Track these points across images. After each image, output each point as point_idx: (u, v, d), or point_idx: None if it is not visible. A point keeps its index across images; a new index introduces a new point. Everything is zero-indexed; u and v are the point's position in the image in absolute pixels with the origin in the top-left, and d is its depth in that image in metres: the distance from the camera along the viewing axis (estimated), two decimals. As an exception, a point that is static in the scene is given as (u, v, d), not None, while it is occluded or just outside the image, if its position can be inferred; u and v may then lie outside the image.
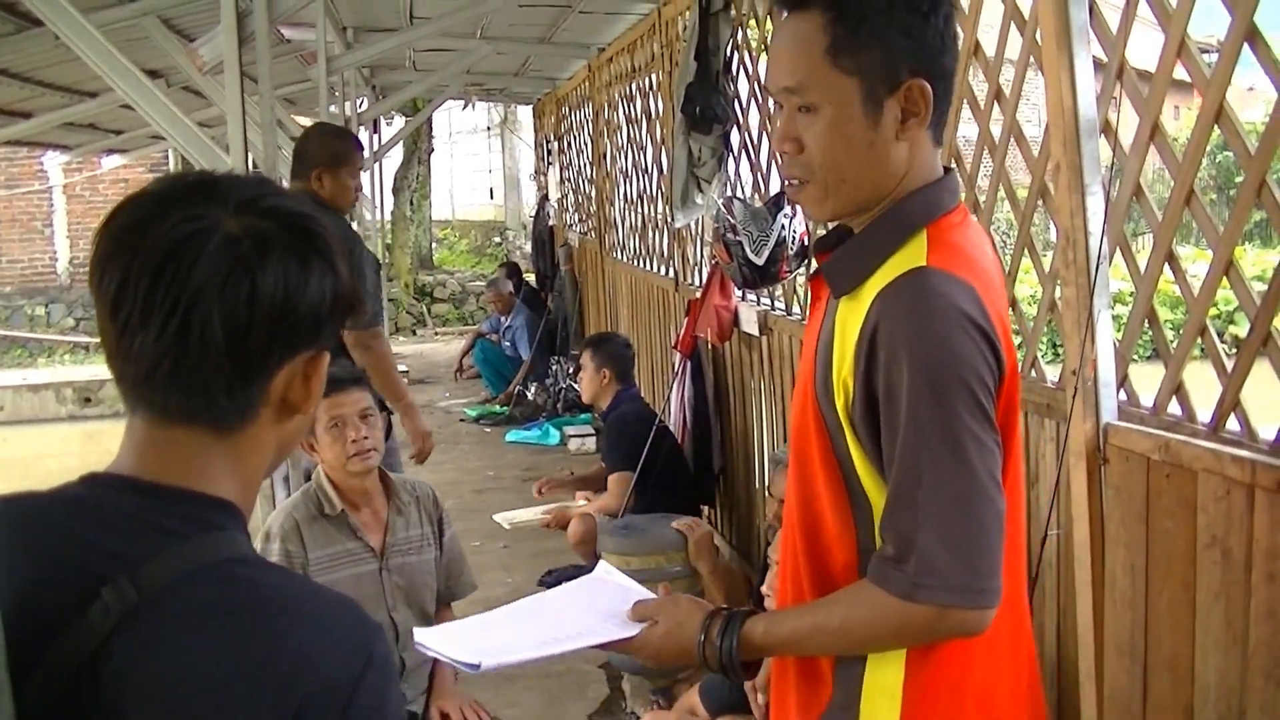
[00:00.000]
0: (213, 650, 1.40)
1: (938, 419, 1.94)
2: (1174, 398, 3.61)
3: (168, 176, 1.56)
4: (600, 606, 2.47)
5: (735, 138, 7.35)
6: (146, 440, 1.53)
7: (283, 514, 4.27)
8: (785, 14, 2.14)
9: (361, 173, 6.14)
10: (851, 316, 2.07)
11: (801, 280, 6.28)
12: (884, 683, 2.10)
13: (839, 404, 2.07)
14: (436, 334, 23.51)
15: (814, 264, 2.53)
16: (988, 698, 2.14)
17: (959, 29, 2.08)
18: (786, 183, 2.25)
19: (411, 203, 26.00)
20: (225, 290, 1.44)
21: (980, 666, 2.12)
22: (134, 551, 1.43)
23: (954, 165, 4.55)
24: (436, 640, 2.45)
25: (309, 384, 1.58)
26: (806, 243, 5.71)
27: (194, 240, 1.44)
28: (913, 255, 2.06)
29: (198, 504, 1.51)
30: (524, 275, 17.01)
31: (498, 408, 13.85)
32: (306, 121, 10.98)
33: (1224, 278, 3.38)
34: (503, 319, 15.35)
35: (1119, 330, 3.78)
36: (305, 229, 1.52)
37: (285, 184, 5.75)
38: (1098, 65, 3.69)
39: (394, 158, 24.16)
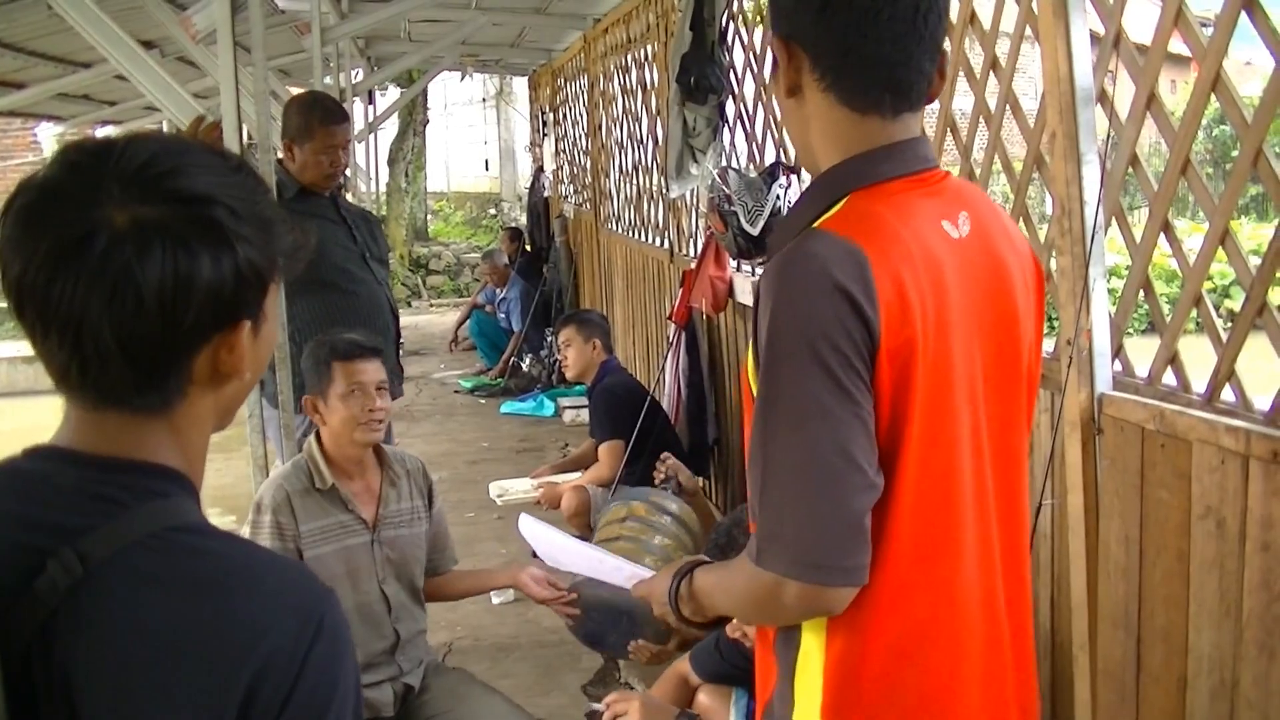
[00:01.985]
0: (161, 621, 1.39)
1: (780, 383, 1.90)
2: (1169, 368, 3.61)
3: (64, 152, 1.51)
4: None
5: (730, 108, 7.35)
6: (82, 421, 1.51)
7: (274, 485, 4.25)
8: None
9: (340, 149, 5.91)
10: None
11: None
12: (808, 665, 2.06)
13: (750, 370, 2.04)
14: (431, 305, 23.49)
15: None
16: (933, 702, 2.05)
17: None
18: None
19: (406, 174, 25.94)
20: (112, 299, 1.40)
21: (917, 667, 2.03)
22: (77, 523, 1.42)
23: (944, 133, 4.57)
24: (529, 527, 3.43)
25: (235, 354, 1.53)
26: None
27: (80, 245, 1.40)
28: (821, 221, 2.02)
29: (140, 473, 1.49)
30: (524, 241, 16.98)
31: (492, 379, 13.84)
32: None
33: (1219, 249, 3.37)
34: (498, 291, 15.33)
35: (1114, 301, 3.78)
36: (195, 213, 1.46)
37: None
38: (1094, 36, 3.68)
39: (389, 129, 24.11)
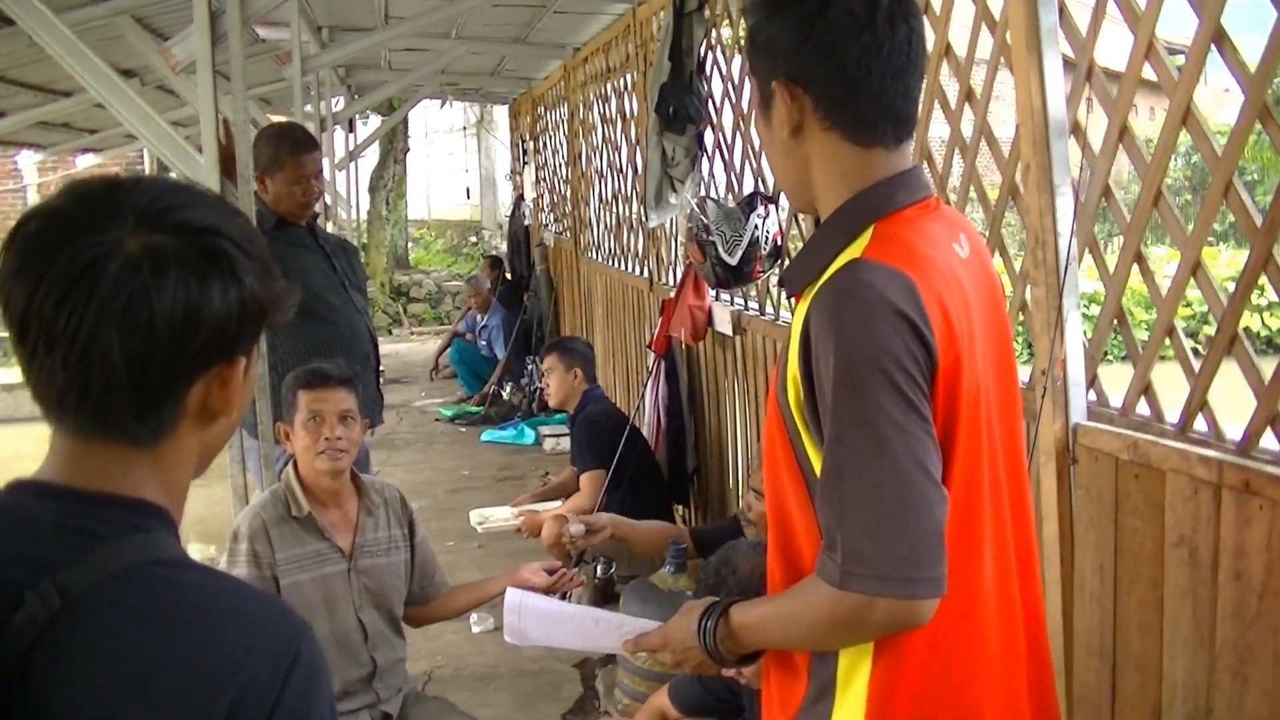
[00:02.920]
0: (137, 653, 1.40)
1: (855, 406, 1.94)
2: (1142, 398, 3.63)
3: (73, 186, 1.54)
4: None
5: (709, 138, 7.37)
6: (67, 452, 1.52)
7: (251, 514, 4.26)
8: None
9: (311, 178, 5.87)
10: (799, 314, 2.10)
11: (775, 281, 6.31)
12: (853, 675, 2.10)
13: (791, 400, 2.10)
14: (412, 333, 23.46)
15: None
16: (959, 694, 2.12)
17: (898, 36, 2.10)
18: None
19: (387, 202, 25.93)
20: (124, 321, 1.43)
21: (948, 660, 2.10)
22: (56, 556, 1.43)
23: (920, 163, 4.60)
24: (518, 601, 3.16)
25: (227, 390, 1.57)
26: (780, 243, 5.71)
27: (93, 269, 1.42)
28: (855, 250, 2.08)
29: (120, 507, 1.51)
30: (505, 269, 16.98)
31: (473, 407, 13.81)
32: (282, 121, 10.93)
33: (1192, 279, 3.40)
34: (479, 318, 15.31)
35: (1089, 330, 3.80)
36: (206, 244, 1.50)
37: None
38: (1068, 66, 3.70)
39: (370, 157, 24.09)
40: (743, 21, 6.72)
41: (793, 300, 2.29)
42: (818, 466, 2.07)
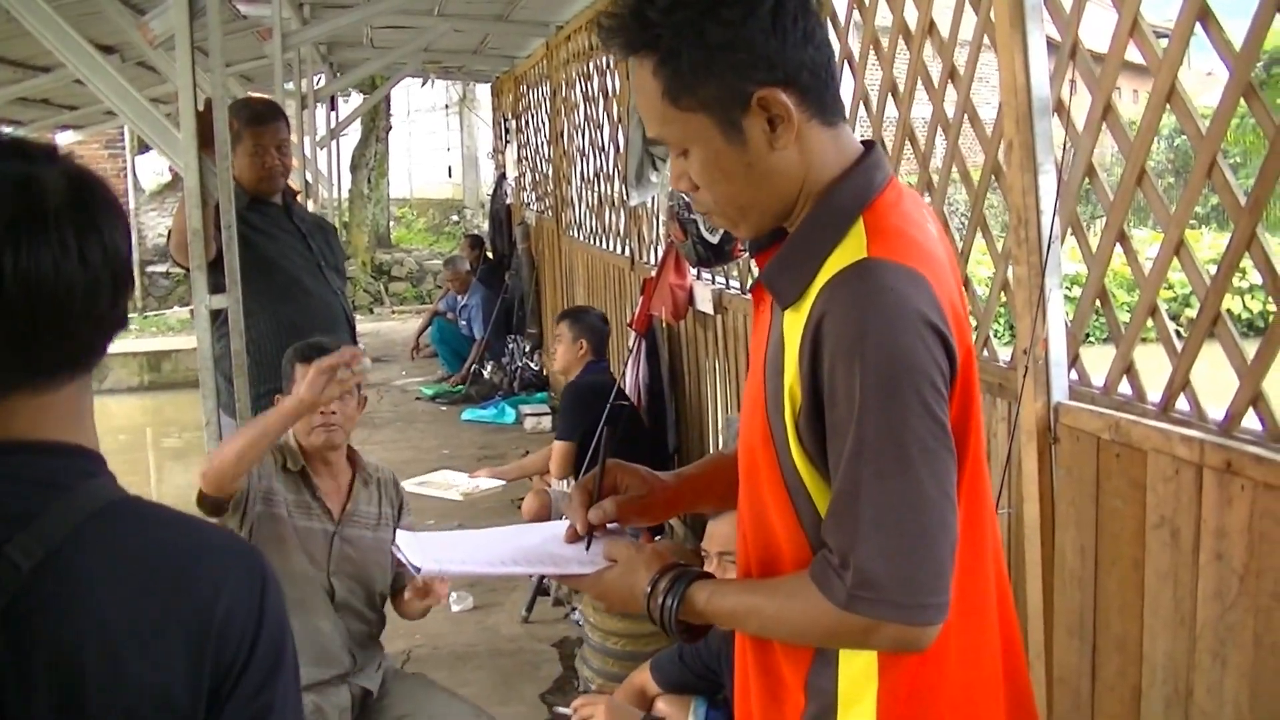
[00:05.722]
0: (131, 588, 1.44)
1: (884, 426, 1.84)
2: (1124, 378, 3.62)
3: None
4: (575, 544, 2.43)
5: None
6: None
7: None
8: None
9: (272, 149, 5.76)
10: (796, 321, 1.96)
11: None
12: (858, 692, 2.03)
13: (787, 415, 1.97)
14: (394, 312, 23.43)
15: (754, 266, 2.45)
16: (964, 701, 2.08)
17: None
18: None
19: (369, 181, 25.85)
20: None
21: (955, 669, 2.05)
22: (20, 510, 1.42)
23: (903, 143, 4.59)
24: (406, 543, 2.51)
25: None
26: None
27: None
28: (854, 247, 1.94)
29: (64, 454, 1.50)
30: (485, 249, 16.97)
31: (454, 386, 13.84)
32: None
33: (1175, 259, 3.39)
34: (459, 298, 15.31)
35: (1071, 311, 3.79)
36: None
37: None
38: (1051, 45, 3.69)
39: (352, 135, 24.01)
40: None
41: (768, 302, 2.15)
42: (811, 487, 1.99)
